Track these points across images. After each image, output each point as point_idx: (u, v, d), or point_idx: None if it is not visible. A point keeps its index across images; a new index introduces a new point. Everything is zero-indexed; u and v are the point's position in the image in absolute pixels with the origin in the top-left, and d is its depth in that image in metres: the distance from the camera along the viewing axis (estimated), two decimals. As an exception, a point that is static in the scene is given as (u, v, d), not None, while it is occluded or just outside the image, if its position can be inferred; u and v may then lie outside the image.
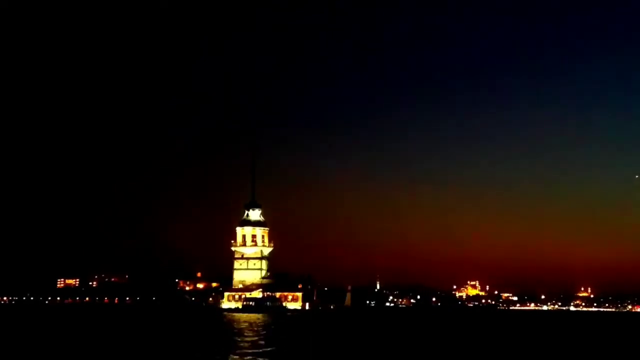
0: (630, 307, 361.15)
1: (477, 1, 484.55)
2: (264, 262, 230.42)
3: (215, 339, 71.35)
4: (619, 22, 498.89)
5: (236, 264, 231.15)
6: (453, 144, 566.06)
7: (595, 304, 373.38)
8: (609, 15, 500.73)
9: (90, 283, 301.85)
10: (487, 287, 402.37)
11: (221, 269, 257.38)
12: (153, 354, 53.33)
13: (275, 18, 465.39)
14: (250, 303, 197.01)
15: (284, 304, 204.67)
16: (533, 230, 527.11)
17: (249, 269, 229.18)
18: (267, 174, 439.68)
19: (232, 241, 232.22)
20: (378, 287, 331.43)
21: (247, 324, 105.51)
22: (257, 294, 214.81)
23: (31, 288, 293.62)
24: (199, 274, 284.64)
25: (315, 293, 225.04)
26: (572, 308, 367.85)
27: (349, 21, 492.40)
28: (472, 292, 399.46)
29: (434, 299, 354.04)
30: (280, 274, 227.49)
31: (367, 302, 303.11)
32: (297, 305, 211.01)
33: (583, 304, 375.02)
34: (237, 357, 50.11)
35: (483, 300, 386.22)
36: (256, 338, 69.85)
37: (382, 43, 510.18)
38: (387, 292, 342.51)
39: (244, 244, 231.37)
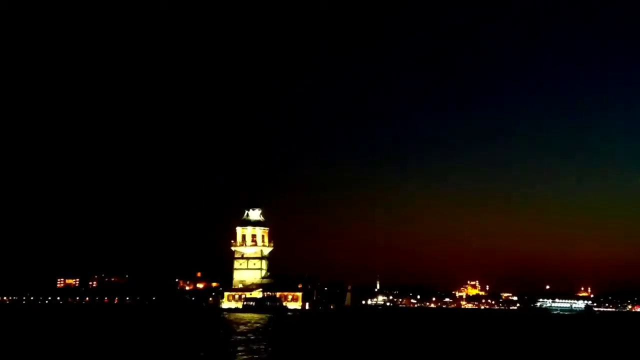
0: (630, 307, 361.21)
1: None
2: (264, 262, 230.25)
3: (214, 339, 71.31)
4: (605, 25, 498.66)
5: (236, 264, 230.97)
6: (452, 144, 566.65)
7: (595, 304, 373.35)
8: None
9: (90, 283, 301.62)
10: (487, 287, 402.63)
11: (221, 269, 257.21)
12: (153, 354, 53.32)
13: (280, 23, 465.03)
14: (250, 303, 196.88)
15: (284, 304, 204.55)
16: (533, 230, 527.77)
17: (249, 269, 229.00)
18: (267, 173, 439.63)
19: (232, 241, 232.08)
20: (378, 287, 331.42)
21: (247, 324, 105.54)
22: (257, 294, 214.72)
23: (31, 288, 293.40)
24: (199, 274, 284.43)
25: (315, 293, 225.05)
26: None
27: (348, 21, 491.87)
28: (472, 292, 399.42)
29: None
30: (280, 274, 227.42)
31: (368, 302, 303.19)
32: (297, 305, 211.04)
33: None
34: (237, 357, 50.11)
35: (483, 300, 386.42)
36: (255, 338, 69.86)
37: (381, 48, 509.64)
38: (387, 292, 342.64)
39: (244, 244, 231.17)
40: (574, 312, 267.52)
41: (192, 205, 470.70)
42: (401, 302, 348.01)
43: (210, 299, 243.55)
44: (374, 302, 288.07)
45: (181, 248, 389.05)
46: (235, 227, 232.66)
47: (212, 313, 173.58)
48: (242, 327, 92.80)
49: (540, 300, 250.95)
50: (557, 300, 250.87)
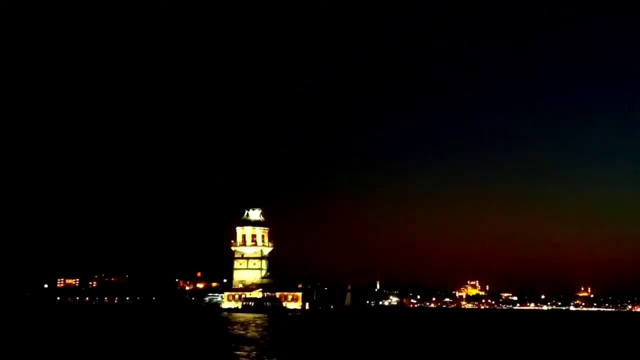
0: (630, 307, 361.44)
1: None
2: (264, 262, 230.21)
3: (215, 339, 71.33)
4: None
5: (236, 264, 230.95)
6: (452, 144, 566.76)
7: (595, 304, 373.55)
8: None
9: (90, 283, 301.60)
10: (487, 287, 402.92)
11: (221, 269, 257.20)
12: (153, 354, 53.35)
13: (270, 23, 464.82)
14: (250, 303, 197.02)
15: (284, 304, 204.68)
16: (533, 230, 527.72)
17: (249, 269, 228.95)
18: (267, 173, 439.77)
19: (232, 241, 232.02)
20: (378, 287, 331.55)
21: (247, 323, 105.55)
22: (257, 293, 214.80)
23: (31, 288, 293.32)
24: (199, 274, 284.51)
25: (315, 293, 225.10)
26: (572, 308, 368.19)
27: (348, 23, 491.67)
28: (472, 292, 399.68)
29: None
30: (280, 274, 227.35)
31: (367, 302, 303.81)
32: (297, 305, 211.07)
33: (583, 304, 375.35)
34: (237, 357, 50.15)
35: (483, 300, 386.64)
36: (255, 338, 69.88)
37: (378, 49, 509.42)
38: (387, 291, 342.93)
39: (244, 244, 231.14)
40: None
41: (192, 205, 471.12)
42: (402, 302, 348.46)
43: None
44: (387, 303, 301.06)
45: (181, 248, 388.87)
46: (235, 227, 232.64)
47: (212, 313, 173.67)
48: (242, 328, 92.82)
49: (210, 294, 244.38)
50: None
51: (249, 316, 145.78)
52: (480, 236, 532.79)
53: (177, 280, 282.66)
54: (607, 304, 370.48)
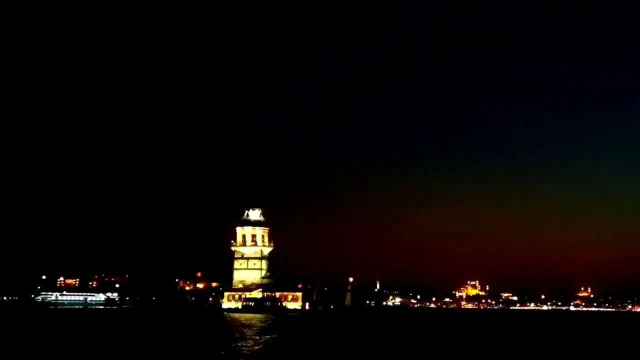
0: (630, 307, 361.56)
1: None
2: (264, 262, 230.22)
3: (215, 339, 71.36)
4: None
5: (236, 264, 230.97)
6: (452, 144, 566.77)
7: (595, 304, 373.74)
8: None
9: (90, 283, 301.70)
10: (487, 287, 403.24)
11: (221, 269, 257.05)
12: (154, 355, 53.35)
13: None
14: (250, 303, 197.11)
15: (284, 304, 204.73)
16: (533, 230, 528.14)
17: (249, 269, 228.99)
18: (267, 173, 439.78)
19: (232, 241, 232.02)
20: (378, 287, 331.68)
21: (247, 323, 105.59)
22: (257, 294, 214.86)
23: (31, 288, 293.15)
24: (199, 274, 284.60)
25: (315, 293, 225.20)
26: (572, 308, 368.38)
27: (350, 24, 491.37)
28: (472, 292, 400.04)
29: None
30: (280, 274, 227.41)
31: (368, 302, 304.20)
32: (297, 305, 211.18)
33: (583, 304, 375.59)
34: (237, 356, 50.18)
35: (483, 300, 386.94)
36: (256, 337, 69.90)
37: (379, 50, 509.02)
38: (387, 291, 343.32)
39: (244, 244, 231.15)
40: (91, 307, 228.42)
41: (192, 205, 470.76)
42: (404, 302, 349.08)
43: (210, 299, 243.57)
44: (391, 303, 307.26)
45: (181, 248, 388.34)
46: (235, 227, 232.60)
47: (212, 313, 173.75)
48: (241, 327, 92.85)
49: (44, 293, 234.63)
50: (64, 293, 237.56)
51: (250, 316, 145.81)
52: (480, 236, 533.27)
53: (177, 280, 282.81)
54: (607, 304, 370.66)
